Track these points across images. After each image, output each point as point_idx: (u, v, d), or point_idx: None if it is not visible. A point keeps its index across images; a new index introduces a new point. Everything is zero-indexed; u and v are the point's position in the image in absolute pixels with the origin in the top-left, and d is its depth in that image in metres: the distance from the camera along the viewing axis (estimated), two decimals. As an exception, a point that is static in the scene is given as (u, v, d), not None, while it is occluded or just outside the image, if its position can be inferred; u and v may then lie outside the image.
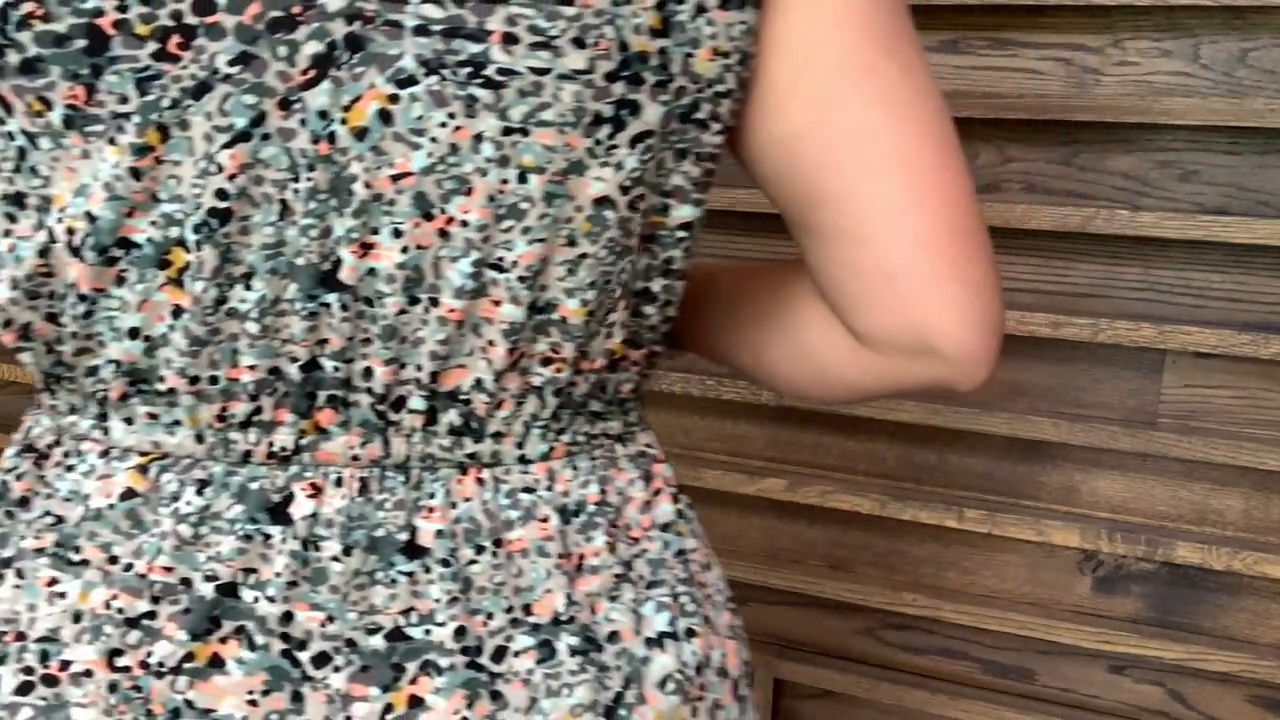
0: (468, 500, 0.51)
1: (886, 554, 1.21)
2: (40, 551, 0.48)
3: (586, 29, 0.45)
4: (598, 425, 0.55)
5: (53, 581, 0.48)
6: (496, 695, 0.49)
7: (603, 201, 0.48)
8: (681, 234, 0.53)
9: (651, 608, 0.54)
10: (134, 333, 0.47)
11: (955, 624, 1.18)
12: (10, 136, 0.44)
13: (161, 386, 0.48)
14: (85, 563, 0.48)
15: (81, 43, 0.42)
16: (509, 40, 0.44)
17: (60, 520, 0.49)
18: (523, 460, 0.52)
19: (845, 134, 0.50)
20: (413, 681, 0.48)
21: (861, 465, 1.20)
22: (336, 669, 0.48)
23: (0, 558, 0.49)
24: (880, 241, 0.50)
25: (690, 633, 0.54)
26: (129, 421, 0.49)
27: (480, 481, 0.51)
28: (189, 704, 0.47)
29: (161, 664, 0.47)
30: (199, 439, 0.48)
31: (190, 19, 0.42)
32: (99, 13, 0.42)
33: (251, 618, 0.47)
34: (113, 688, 0.46)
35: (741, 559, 1.23)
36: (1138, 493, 1.10)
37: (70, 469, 0.50)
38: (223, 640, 0.47)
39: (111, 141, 0.43)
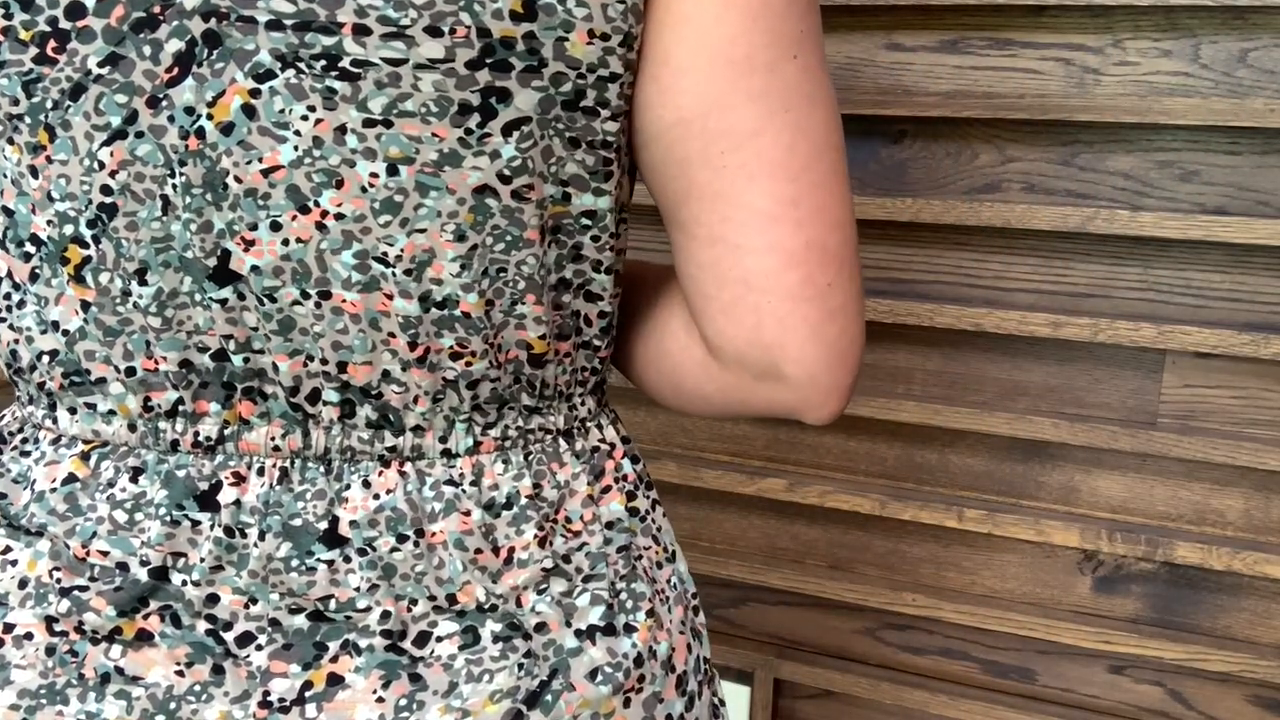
0: (390, 492, 0.51)
1: (886, 554, 1.21)
2: None
3: (441, 16, 0.44)
4: (533, 420, 0.55)
5: (6, 549, 0.50)
6: (416, 677, 0.50)
7: (483, 190, 0.48)
8: (586, 221, 0.52)
9: (586, 599, 0.53)
10: (55, 325, 0.49)
11: (955, 624, 1.18)
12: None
13: (91, 377, 0.50)
14: (40, 533, 0.50)
15: None
16: (360, 31, 0.44)
17: (3, 497, 0.52)
18: (447, 454, 0.52)
19: (726, 129, 0.48)
20: (334, 660, 0.49)
21: (861, 465, 1.20)
22: (259, 647, 0.49)
23: None
24: (741, 245, 0.49)
25: (629, 628, 0.54)
26: (72, 411, 0.51)
27: (403, 474, 0.51)
28: (119, 670, 0.49)
29: (95, 631, 0.49)
30: (132, 428, 0.51)
31: (64, 24, 0.44)
32: None
33: (180, 600, 0.49)
34: (50, 650, 0.49)
35: (741, 559, 1.23)
36: (1138, 493, 1.10)
37: (26, 454, 0.52)
38: (146, 617, 0.49)
39: (10, 141, 0.46)
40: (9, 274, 0.49)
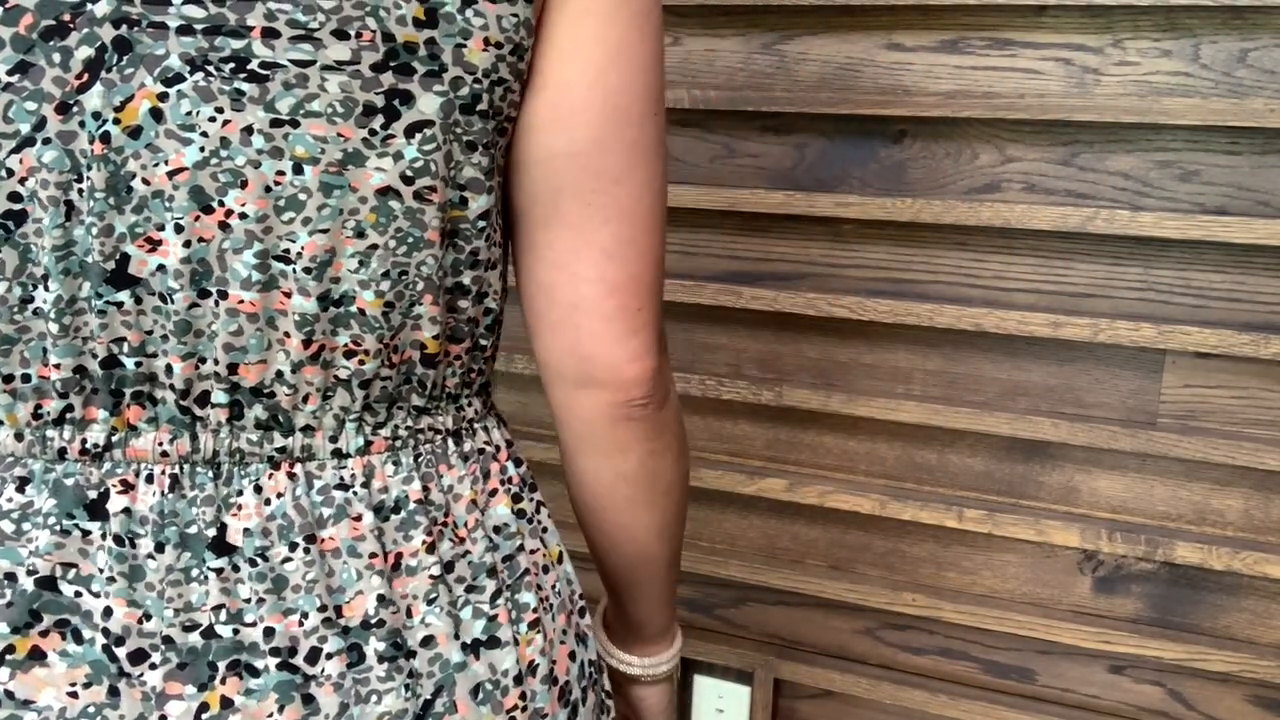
0: (280, 496, 0.51)
1: (886, 554, 1.21)
2: None
3: (347, 20, 0.47)
4: (422, 420, 0.56)
5: None
6: (309, 699, 0.50)
7: (386, 192, 0.50)
8: (481, 224, 0.54)
9: (469, 613, 0.54)
10: None
11: (955, 624, 1.18)
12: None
13: None
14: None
15: None
16: (269, 34, 0.46)
17: None
18: (338, 454, 0.53)
19: (600, 169, 0.53)
20: (223, 682, 0.49)
21: (861, 465, 1.20)
22: (153, 666, 0.48)
23: None
24: (578, 275, 0.55)
25: (515, 640, 0.55)
26: None
27: (292, 476, 0.52)
28: (8, 694, 0.47)
29: None
30: (19, 437, 0.50)
31: None
32: None
33: (76, 612, 0.48)
34: None
35: (741, 559, 1.23)
36: (1138, 493, 1.10)
37: None
38: (44, 634, 0.48)
39: None
40: None
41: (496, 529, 0.57)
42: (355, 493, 0.52)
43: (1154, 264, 1.06)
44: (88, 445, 0.50)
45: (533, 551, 0.59)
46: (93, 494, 0.50)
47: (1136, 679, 1.15)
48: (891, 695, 1.20)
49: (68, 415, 0.50)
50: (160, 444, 0.50)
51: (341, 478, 0.53)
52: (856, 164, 1.13)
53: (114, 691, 0.48)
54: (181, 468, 0.50)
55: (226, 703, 0.49)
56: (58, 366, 0.49)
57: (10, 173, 0.46)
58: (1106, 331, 1.04)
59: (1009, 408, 1.11)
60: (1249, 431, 1.06)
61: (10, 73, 0.45)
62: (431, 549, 0.54)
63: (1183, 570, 1.10)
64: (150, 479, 0.50)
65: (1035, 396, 1.12)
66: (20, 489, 0.49)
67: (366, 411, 0.53)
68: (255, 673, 0.49)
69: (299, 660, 0.50)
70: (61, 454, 0.50)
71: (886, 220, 1.10)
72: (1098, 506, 1.12)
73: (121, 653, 0.48)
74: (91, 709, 0.48)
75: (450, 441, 0.57)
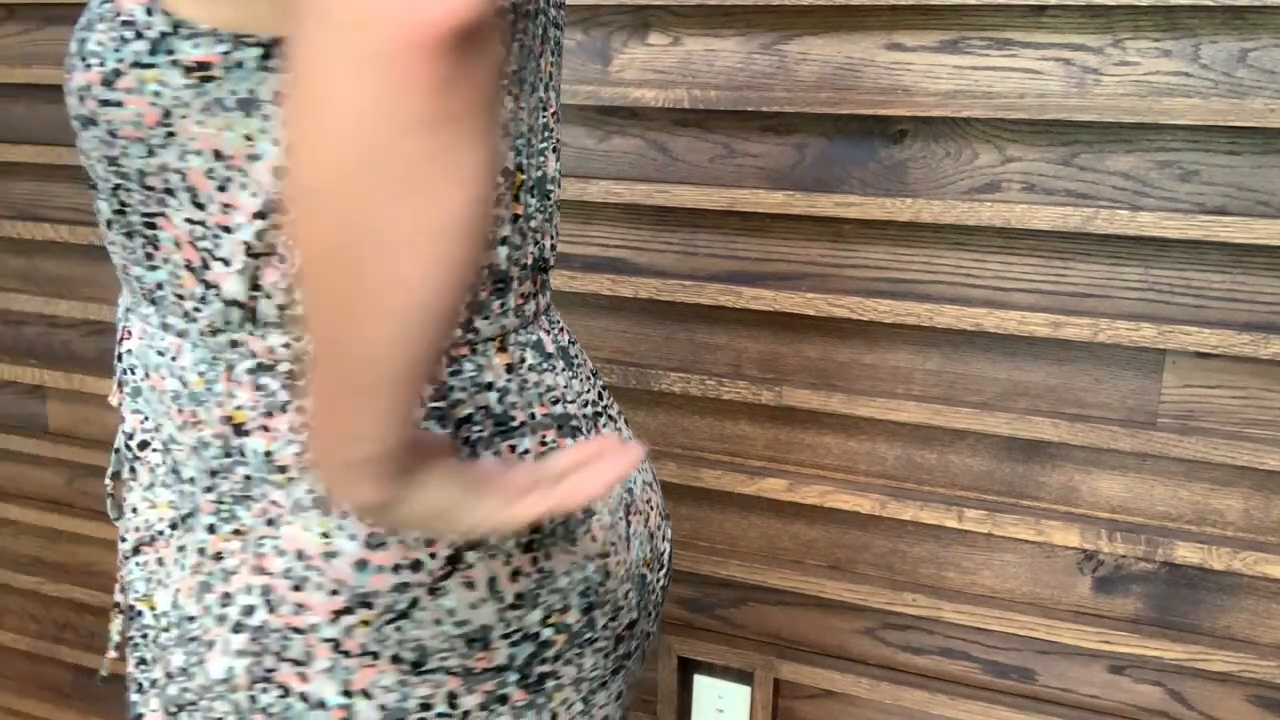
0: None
1: (886, 554, 1.21)
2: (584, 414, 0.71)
3: (569, 13, 0.74)
4: None
5: (607, 422, 0.73)
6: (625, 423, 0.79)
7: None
8: None
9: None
10: (504, 241, 0.66)
11: (955, 624, 1.18)
12: (545, 105, 0.68)
13: (502, 278, 0.67)
14: (613, 418, 0.75)
15: None
16: (560, 11, 0.71)
17: (556, 401, 0.68)
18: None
19: None
20: (619, 427, 0.76)
21: (861, 465, 1.20)
22: (614, 422, 0.75)
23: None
24: None
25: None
26: (486, 318, 0.66)
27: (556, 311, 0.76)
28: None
29: (615, 417, 0.76)
30: (518, 314, 0.67)
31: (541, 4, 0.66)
32: None
33: (595, 415, 0.72)
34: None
35: (741, 559, 1.24)
36: (1138, 493, 1.10)
37: (527, 365, 0.67)
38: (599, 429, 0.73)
39: (544, 107, 0.69)
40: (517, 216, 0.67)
41: None
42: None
43: (1154, 264, 1.06)
44: (538, 309, 0.69)
45: None
46: (547, 343, 0.70)
47: (1136, 679, 1.15)
48: (891, 695, 1.20)
49: (530, 291, 0.68)
50: (547, 301, 0.71)
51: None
52: (856, 164, 1.13)
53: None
54: (551, 313, 0.72)
55: (624, 431, 0.77)
56: (531, 253, 0.68)
57: (549, 128, 0.69)
58: (1106, 331, 1.04)
59: (1009, 408, 1.11)
60: (1249, 431, 1.06)
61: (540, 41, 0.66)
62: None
63: (1183, 570, 1.10)
64: (552, 323, 0.71)
65: (1035, 396, 1.12)
66: (537, 351, 0.68)
67: None
68: (616, 419, 0.76)
69: (601, 405, 0.75)
70: (533, 317, 0.69)
71: (886, 220, 1.10)
72: (1098, 506, 1.12)
73: (601, 422, 0.73)
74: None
75: None
